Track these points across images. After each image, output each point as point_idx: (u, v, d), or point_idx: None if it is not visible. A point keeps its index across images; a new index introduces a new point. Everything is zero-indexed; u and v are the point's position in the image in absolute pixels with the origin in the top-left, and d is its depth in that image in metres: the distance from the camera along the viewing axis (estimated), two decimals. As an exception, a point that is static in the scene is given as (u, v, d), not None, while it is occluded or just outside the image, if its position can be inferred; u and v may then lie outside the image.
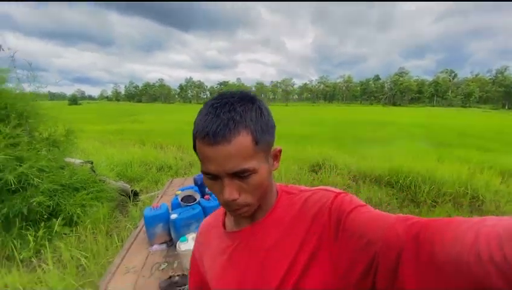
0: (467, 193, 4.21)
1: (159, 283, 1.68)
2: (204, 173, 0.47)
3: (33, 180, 2.44)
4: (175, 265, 1.88)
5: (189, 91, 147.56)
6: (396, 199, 4.34)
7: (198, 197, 2.44)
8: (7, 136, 2.46)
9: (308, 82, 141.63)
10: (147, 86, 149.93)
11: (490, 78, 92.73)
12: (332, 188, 0.51)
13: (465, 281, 0.28)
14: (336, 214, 0.45)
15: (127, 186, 3.92)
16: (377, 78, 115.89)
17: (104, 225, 2.79)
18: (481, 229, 0.29)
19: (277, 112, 37.58)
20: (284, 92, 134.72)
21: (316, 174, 4.79)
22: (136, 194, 3.96)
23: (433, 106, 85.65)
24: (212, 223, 0.66)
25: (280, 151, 0.53)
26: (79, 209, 2.87)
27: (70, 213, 2.81)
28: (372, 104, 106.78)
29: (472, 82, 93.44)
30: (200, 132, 0.44)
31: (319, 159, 5.26)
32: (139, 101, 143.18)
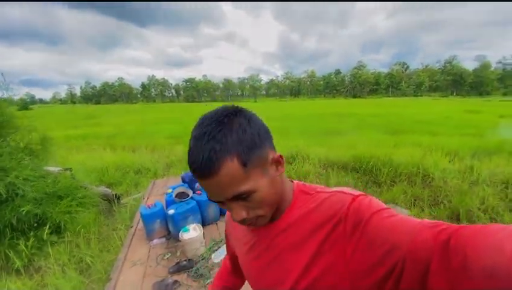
0: (419, 172, 4.90)
1: (168, 268, 1.87)
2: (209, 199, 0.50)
3: (20, 189, 2.42)
4: (178, 253, 2.09)
5: (153, 90, 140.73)
6: (361, 181, 4.93)
7: (190, 193, 2.64)
8: (-13, 147, 2.40)
9: (274, 78, 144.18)
10: (106, 85, 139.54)
11: (439, 68, 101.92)
12: (350, 190, 0.50)
13: None
14: (353, 219, 0.44)
15: (109, 191, 3.92)
16: (338, 72, 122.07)
17: (95, 229, 2.84)
18: None
19: (247, 107, 37.64)
20: (252, 88, 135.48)
21: (291, 165, 5.21)
22: (118, 197, 3.98)
23: (389, 96, 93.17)
24: None
25: (280, 156, 0.51)
26: (66, 216, 2.88)
27: (58, 221, 2.82)
28: (334, 97, 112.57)
29: (422, 72, 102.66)
30: (191, 167, 0.44)
31: (292, 151, 5.69)
32: (98, 102, 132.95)
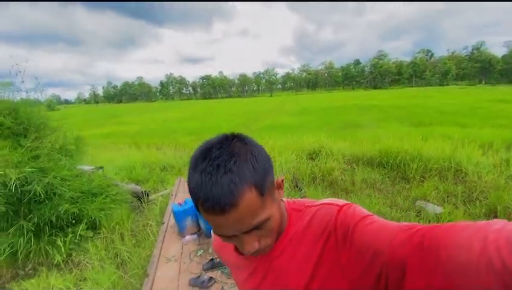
0: (451, 166, 4.64)
1: (202, 265, 1.92)
2: (218, 235, 0.47)
3: (58, 189, 2.57)
4: (210, 250, 2.13)
5: (171, 88, 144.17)
6: (388, 177, 4.75)
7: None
8: (29, 149, 2.57)
9: (290, 71, 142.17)
10: (126, 85, 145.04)
11: (466, 55, 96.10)
12: (336, 201, 0.52)
13: (475, 288, 0.28)
14: (341, 230, 0.46)
15: (138, 188, 4.08)
16: (357, 62, 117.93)
17: (128, 225, 2.98)
18: (488, 236, 0.29)
19: (263, 103, 37.77)
20: (268, 83, 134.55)
21: (314, 161, 5.12)
22: (147, 194, 4.13)
23: (412, 87, 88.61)
24: (223, 245, 0.67)
25: (282, 180, 0.52)
26: (101, 213, 3.03)
27: (93, 217, 2.97)
28: (354, 88, 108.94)
29: (449, 60, 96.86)
30: (205, 203, 0.41)
31: (315, 147, 5.59)
32: (119, 101, 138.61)
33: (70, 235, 2.77)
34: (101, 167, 3.77)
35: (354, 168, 5.06)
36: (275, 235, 0.51)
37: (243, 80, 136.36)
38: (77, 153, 3.43)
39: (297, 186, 4.50)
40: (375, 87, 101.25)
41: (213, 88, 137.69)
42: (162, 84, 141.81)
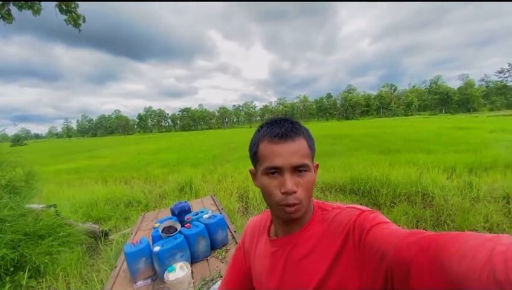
0: (418, 191, 4.81)
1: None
2: (268, 168, 0.55)
3: (-6, 232, 2.25)
4: (164, 297, 1.89)
5: (150, 120, 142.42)
6: (360, 203, 4.78)
7: (178, 226, 2.48)
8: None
9: (268, 104, 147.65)
10: (102, 118, 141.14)
11: (426, 88, 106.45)
12: (360, 206, 0.56)
13: None
14: (358, 231, 0.49)
15: (96, 227, 3.71)
16: (329, 96, 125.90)
17: (77, 270, 2.61)
18: (496, 248, 0.29)
19: (243, 134, 38.22)
20: (247, 115, 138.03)
21: (287, 190, 5.07)
22: (106, 234, 3.75)
23: (380, 117, 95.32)
24: (260, 223, 0.74)
25: (317, 166, 0.63)
26: (46, 258, 2.67)
27: (37, 263, 2.60)
28: (327, 120, 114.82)
29: (410, 93, 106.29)
30: (270, 134, 0.56)
31: (288, 175, 5.57)
32: (94, 135, 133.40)
33: (8, 285, 2.38)
34: (54, 205, 3.42)
35: (327, 196, 5.06)
36: (308, 196, 0.56)
37: (223, 112, 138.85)
38: (27, 189, 3.12)
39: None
40: (347, 118, 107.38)
41: (193, 120, 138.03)
42: (140, 116, 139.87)
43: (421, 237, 0.38)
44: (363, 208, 0.54)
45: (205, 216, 2.77)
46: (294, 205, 0.55)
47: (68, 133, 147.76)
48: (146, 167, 10.28)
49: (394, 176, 5.38)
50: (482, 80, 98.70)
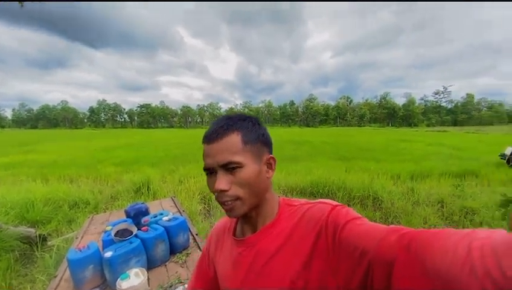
0: (370, 195, 5.23)
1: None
2: (204, 169, 0.56)
3: None
4: (114, 308, 1.69)
5: (103, 114, 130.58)
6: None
7: (134, 229, 2.28)
8: None
9: (233, 106, 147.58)
10: (46, 108, 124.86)
11: (376, 103, 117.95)
12: (330, 201, 0.54)
13: None
14: (332, 227, 0.47)
15: (31, 231, 3.23)
16: (292, 103, 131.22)
17: (5, 282, 2.21)
18: (473, 243, 0.29)
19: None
20: (212, 115, 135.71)
21: (251, 192, 5.07)
22: (44, 239, 3.29)
23: (338, 126, 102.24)
24: (225, 225, 0.72)
25: (272, 158, 0.58)
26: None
27: None
28: (290, 126, 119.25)
29: (364, 106, 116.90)
30: (204, 135, 0.56)
31: (253, 178, 5.60)
32: (34, 127, 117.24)
33: None
34: (-23, 206, 2.88)
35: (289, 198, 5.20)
36: (247, 194, 0.54)
37: (186, 110, 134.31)
38: None
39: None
40: (307, 126, 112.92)
41: (153, 117, 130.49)
42: (92, 110, 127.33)
43: (403, 233, 0.38)
44: (334, 203, 0.52)
45: (165, 218, 2.60)
46: (228, 202, 0.54)
47: (0, 123, 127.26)
48: (97, 164, 9.35)
49: (349, 180, 5.78)
50: (422, 99, 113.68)
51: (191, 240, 2.62)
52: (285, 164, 8.62)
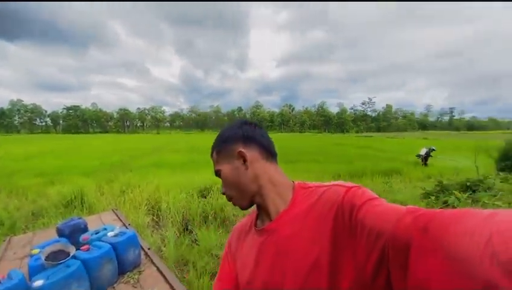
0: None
1: None
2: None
3: None
4: None
5: (17, 117, 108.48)
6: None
7: (72, 250, 1.91)
8: None
9: (179, 110, 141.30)
10: None
11: (315, 111, 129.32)
12: (345, 183, 0.55)
13: (477, 276, 0.27)
14: (348, 209, 0.47)
15: None
16: (240, 109, 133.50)
17: None
18: (494, 227, 0.28)
19: (149, 140, 34.65)
20: (154, 120, 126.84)
21: (205, 198, 4.87)
22: None
23: (282, 132, 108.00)
24: (246, 223, 0.74)
25: (239, 152, 0.62)
26: None
27: None
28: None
29: (304, 114, 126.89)
30: None
31: (206, 183, 5.39)
32: None
33: None
34: None
35: (244, 203, 5.18)
36: (234, 192, 0.64)
37: (124, 114, 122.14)
38: None
39: (187, 229, 4.04)
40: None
41: (83, 121, 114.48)
42: (2, 111, 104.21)
43: (419, 214, 0.37)
44: (349, 184, 0.53)
45: (110, 234, 2.27)
46: (231, 201, 0.66)
47: None
48: (11, 176, 7.66)
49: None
50: (352, 108, 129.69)
51: (142, 256, 2.35)
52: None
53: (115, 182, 6.39)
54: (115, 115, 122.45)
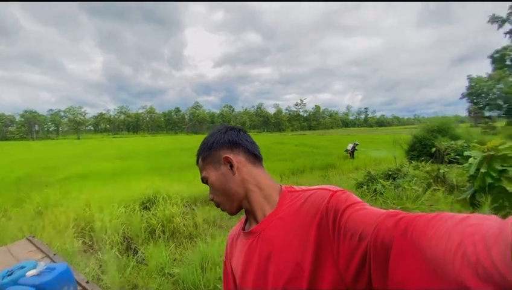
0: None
1: None
2: None
3: None
4: None
5: None
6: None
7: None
8: None
9: (104, 111, 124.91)
10: None
11: (254, 112, 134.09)
12: (331, 187, 0.56)
13: (451, 277, 0.29)
14: (332, 213, 0.48)
15: None
16: (177, 110, 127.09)
17: None
18: (465, 230, 0.30)
19: (67, 147, 29.50)
20: (73, 123, 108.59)
21: (150, 210, 4.36)
22: None
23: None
24: (237, 229, 0.74)
25: (225, 158, 0.63)
26: None
27: None
28: (177, 133, 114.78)
29: (244, 114, 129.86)
30: None
31: (149, 193, 4.85)
32: None
33: None
34: None
35: (194, 209, 4.88)
36: (221, 198, 0.65)
37: (31, 117, 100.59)
38: None
39: (130, 248, 3.55)
40: (195, 133, 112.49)
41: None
42: None
43: (400, 218, 0.39)
44: (334, 188, 0.55)
45: (31, 273, 1.76)
46: (219, 207, 0.67)
47: None
48: None
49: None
50: (287, 109, 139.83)
51: (80, 292, 1.91)
52: (181, 173, 8.10)
53: (26, 202, 5.15)
54: (18, 119, 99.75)
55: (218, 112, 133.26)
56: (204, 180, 0.67)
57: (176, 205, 4.49)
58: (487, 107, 33.45)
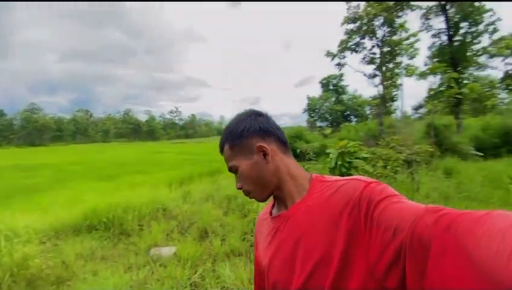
0: (159, 207, 5.10)
1: None
2: None
3: None
4: None
5: None
6: (106, 239, 4.02)
7: None
8: None
9: None
10: None
11: (120, 118, 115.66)
12: (365, 178, 0.53)
13: (500, 279, 0.26)
14: (365, 204, 0.46)
15: None
16: (1, 113, 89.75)
17: None
18: None
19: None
20: None
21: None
22: None
23: (77, 143, 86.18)
24: (263, 214, 0.74)
25: (259, 146, 0.62)
26: None
27: None
28: (1, 146, 79.65)
29: (107, 120, 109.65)
30: None
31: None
32: None
33: None
34: None
35: (57, 245, 3.64)
36: (252, 186, 0.63)
37: None
38: None
39: None
40: (33, 145, 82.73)
41: None
42: None
43: (441, 214, 0.36)
44: (369, 179, 0.52)
45: None
46: (248, 196, 0.65)
47: None
48: None
49: (131, 198, 5.22)
50: (160, 116, 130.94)
51: None
52: (25, 199, 5.79)
53: None
54: None
55: (68, 117, 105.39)
56: (234, 169, 0.65)
57: (30, 243, 3.16)
58: (319, 119, 46.43)
